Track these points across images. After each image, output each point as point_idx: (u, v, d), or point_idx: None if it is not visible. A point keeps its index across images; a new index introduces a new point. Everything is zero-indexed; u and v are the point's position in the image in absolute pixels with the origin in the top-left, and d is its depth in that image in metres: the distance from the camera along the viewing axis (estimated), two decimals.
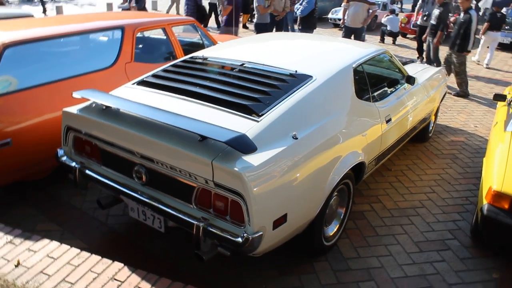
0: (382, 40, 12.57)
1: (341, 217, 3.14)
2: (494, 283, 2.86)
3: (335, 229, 3.08)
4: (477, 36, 9.92)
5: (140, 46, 4.61)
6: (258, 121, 2.41)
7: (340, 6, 13.09)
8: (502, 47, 12.05)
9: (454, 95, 7.26)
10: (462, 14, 7.20)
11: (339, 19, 9.80)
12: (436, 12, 8.06)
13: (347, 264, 2.95)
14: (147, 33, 4.78)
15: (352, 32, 8.25)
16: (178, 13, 14.55)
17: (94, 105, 2.73)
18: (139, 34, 4.36)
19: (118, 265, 2.50)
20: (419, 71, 4.82)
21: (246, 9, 13.16)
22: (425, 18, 9.00)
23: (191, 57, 3.43)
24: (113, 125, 2.50)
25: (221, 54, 3.46)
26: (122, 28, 4.15)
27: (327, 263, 2.94)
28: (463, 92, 7.27)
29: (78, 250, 2.61)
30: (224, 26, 7.80)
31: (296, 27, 9.01)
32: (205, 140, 2.22)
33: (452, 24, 8.99)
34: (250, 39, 4.29)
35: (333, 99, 2.95)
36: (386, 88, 3.74)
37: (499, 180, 2.92)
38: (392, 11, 12.93)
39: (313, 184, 2.54)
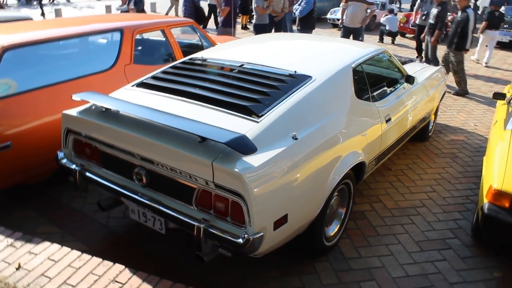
0: (381, 40, 12.57)
1: (342, 217, 3.14)
2: (495, 281, 2.86)
3: (336, 229, 3.08)
4: (475, 35, 9.95)
5: (139, 48, 4.61)
6: (258, 122, 2.41)
7: (338, 7, 13.10)
8: (501, 45, 12.05)
9: (453, 94, 7.26)
10: (459, 13, 7.22)
11: (338, 19, 9.81)
12: (434, 11, 8.07)
13: (348, 264, 2.95)
14: (146, 35, 4.78)
15: (351, 32, 8.26)
16: (177, 14, 14.55)
17: (93, 107, 2.73)
18: (138, 36, 4.36)
19: (119, 267, 2.50)
20: (418, 70, 4.83)
21: (245, 10, 13.16)
22: (423, 18, 9.01)
23: (190, 59, 3.43)
24: (113, 127, 2.50)
25: (220, 55, 3.46)
26: (121, 30, 4.15)
27: (328, 263, 2.94)
28: (462, 91, 7.28)
29: (79, 253, 2.61)
30: (221, 27, 7.80)
31: (294, 27, 9.00)
32: (205, 141, 2.22)
33: (450, 23, 9.00)
34: (249, 40, 4.29)
35: (333, 99, 2.95)
36: (385, 88, 3.74)
37: (499, 178, 2.92)
38: (391, 11, 12.93)
39: (313, 185, 2.54)
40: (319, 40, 4.42)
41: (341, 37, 8.34)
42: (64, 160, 2.86)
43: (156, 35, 4.82)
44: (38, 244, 2.67)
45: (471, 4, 12.04)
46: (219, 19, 7.88)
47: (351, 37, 8.21)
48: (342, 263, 2.95)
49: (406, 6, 22.65)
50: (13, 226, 2.96)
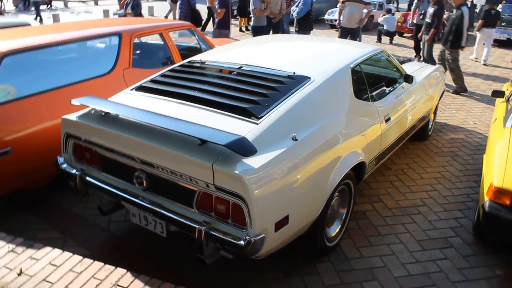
0: (379, 40, 12.58)
1: (343, 217, 3.13)
2: (497, 279, 2.86)
3: (337, 230, 3.08)
4: (471, 33, 9.96)
5: (138, 51, 4.62)
6: (257, 124, 2.41)
7: (336, 7, 13.12)
8: (499, 43, 12.07)
9: (452, 93, 7.27)
10: (454, 11, 7.24)
11: (335, 20, 9.81)
12: (430, 10, 8.10)
13: (350, 264, 2.95)
14: (144, 39, 4.79)
15: (348, 33, 8.27)
16: (175, 18, 14.58)
17: (93, 111, 2.73)
18: (136, 40, 4.37)
19: (121, 271, 2.50)
20: (417, 69, 4.83)
21: (243, 12, 13.18)
22: (421, 17, 9.02)
23: (189, 62, 3.43)
24: (113, 131, 2.50)
25: (218, 57, 3.46)
26: (119, 34, 4.16)
27: (330, 264, 2.93)
28: (460, 88, 7.30)
29: (81, 257, 2.61)
30: (216, 29, 7.81)
31: (292, 29, 9.01)
32: (205, 144, 2.23)
33: (445, 21, 9.02)
34: (247, 42, 4.30)
35: (332, 100, 2.95)
36: (384, 88, 3.74)
37: (499, 176, 2.92)
38: (388, 11, 12.96)
39: (314, 185, 2.54)
40: (317, 41, 4.43)
41: (339, 37, 8.35)
42: (64, 165, 2.85)
43: (154, 39, 4.83)
44: (40, 249, 2.67)
45: (468, 3, 12.05)
46: (215, 21, 7.89)
47: (348, 37, 8.22)
48: (344, 264, 2.95)
49: (404, 5, 22.71)
50: (14, 232, 2.96)
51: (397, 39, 12.97)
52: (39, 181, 3.49)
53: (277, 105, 2.58)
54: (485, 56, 9.79)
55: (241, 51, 3.77)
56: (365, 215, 3.56)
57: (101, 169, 2.76)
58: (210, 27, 12.56)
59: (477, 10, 16.21)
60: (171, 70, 3.28)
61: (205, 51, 4.76)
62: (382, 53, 3.89)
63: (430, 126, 5.21)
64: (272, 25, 8.66)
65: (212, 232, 2.21)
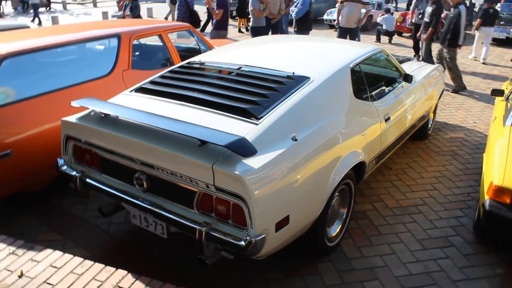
0: (378, 40, 12.59)
1: (343, 217, 3.13)
2: (498, 278, 2.86)
3: (338, 230, 3.08)
4: (470, 32, 9.96)
5: (137, 53, 4.62)
6: (257, 124, 2.41)
7: (335, 7, 13.13)
8: (498, 42, 12.07)
9: (451, 92, 7.28)
10: (452, 9, 7.26)
11: (334, 20, 9.82)
12: (429, 9, 8.12)
13: (351, 264, 2.95)
14: (143, 40, 4.79)
15: (347, 33, 8.27)
16: (174, 19, 14.60)
17: (92, 113, 2.73)
18: (135, 42, 4.37)
19: (121, 272, 2.50)
20: (416, 69, 4.83)
21: (242, 13, 13.19)
22: (420, 16, 9.04)
23: (188, 63, 3.44)
24: (113, 132, 2.50)
25: (218, 58, 3.46)
26: (118, 36, 4.16)
27: (330, 264, 2.93)
28: (459, 87, 7.30)
29: (81, 259, 2.61)
30: (214, 30, 7.82)
31: (291, 29, 9.02)
32: (204, 145, 2.23)
33: (443, 20, 9.04)
34: (247, 42, 4.30)
35: (331, 100, 2.96)
36: (384, 87, 3.74)
37: (500, 175, 2.92)
38: (387, 10, 12.97)
39: (314, 185, 2.54)
40: (316, 41, 4.44)
41: (337, 37, 8.36)
42: (64, 167, 2.85)
43: (153, 40, 4.83)
44: (40, 251, 2.67)
45: (467, 2, 12.04)
46: (213, 21, 7.90)
47: (347, 37, 8.22)
48: (344, 263, 2.95)
49: (403, 5, 22.71)
50: (15, 234, 2.96)
51: (396, 38, 12.98)
52: (39, 183, 3.49)
53: (277, 106, 2.58)
54: (484, 54, 9.80)
55: (240, 52, 3.77)
56: (365, 214, 3.56)
57: (101, 171, 2.76)
58: (209, 28, 12.59)
59: (476, 9, 16.21)
60: (170, 71, 3.28)
61: (204, 52, 4.76)
62: (381, 53, 3.89)
63: (429, 125, 5.21)
64: (271, 25, 8.66)
65: (213, 233, 2.21)
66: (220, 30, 7.75)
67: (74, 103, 2.73)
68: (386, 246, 3.15)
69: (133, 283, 2.42)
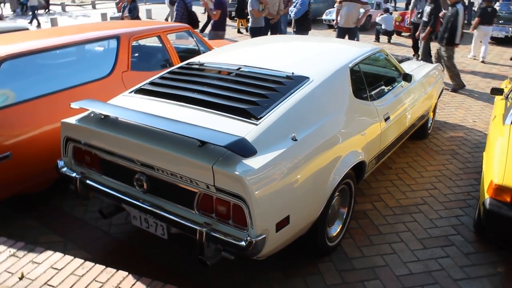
0: (377, 39, 12.60)
1: (344, 217, 3.14)
2: (499, 277, 2.86)
3: (338, 229, 3.08)
4: (468, 31, 9.96)
5: (136, 54, 4.62)
6: (257, 124, 2.41)
7: (334, 7, 13.14)
8: (497, 41, 12.08)
9: (451, 91, 7.28)
10: (449, 8, 7.27)
11: (333, 20, 9.82)
12: (427, 9, 8.12)
13: (352, 263, 2.95)
14: (142, 41, 4.79)
15: (346, 32, 8.27)
16: (172, 20, 14.62)
17: (92, 114, 2.73)
18: (134, 43, 4.37)
19: (122, 273, 2.49)
20: (416, 68, 4.84)
21: (241, 13, 13.19)
22: (419, 16, 9.05)
23: (188, 63, 3.44)
24: (112, 134, 2.50)
25: (217, 59, 3.47)
26: (117, 37, 4.16)
27: (331, 264, 2.93)
28: (458, 86, 7.31)
29: (82, 260, 2.60)
30: (212, 30, 7.82)
31: (290, 29, 9.02)
32: (204, 145, 2.23)
33: (441, 19, 9.05)
34: (246, 43, 4.31)
35: (331, 100, 2.96)
36: (383, 87, 3.74)
37: (500, 173, 2.92)
38: (386, 10, 12.98)
39: (314, 185, 2.54)
40: (315, 41, 4.44)
41: (336, 37, 8.35)
42: (64, 169, 2.85)
43: (152, 41, 4.83)
44: (41, 253, 2.67)
45: (465, 1, 12.04)
46: (211, 22, 7.90)
47: (346, 37, 8.22)
48: (345, 263, 2.95)
49: (401, 5, 22.72)
50: (15, 236, 2.96)
51: (395, 38, 12.99)
52: (39, 185, 3.49)
53: (277, 106, 2.58)
54: (483, 53, 9.80)
55: (239, 52, 3.77)
56: (366, 214, 3.56)
57: (101, 172, 2.76)
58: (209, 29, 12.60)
59: (475, 8, 16.21)
60: (170, 72, 3.28)
61: (203, 52, 4.76)
62: (381, 52, 3.89)
63: (429, 125, 5.21)
64: (270, 26, 8.66)
65: (213, 234, 2.21)
66: (218, 30, 7.76)
67: (74, 105, 2.73)
68: (387, 245, 3.15)
69: (133, 284, 2.42)
